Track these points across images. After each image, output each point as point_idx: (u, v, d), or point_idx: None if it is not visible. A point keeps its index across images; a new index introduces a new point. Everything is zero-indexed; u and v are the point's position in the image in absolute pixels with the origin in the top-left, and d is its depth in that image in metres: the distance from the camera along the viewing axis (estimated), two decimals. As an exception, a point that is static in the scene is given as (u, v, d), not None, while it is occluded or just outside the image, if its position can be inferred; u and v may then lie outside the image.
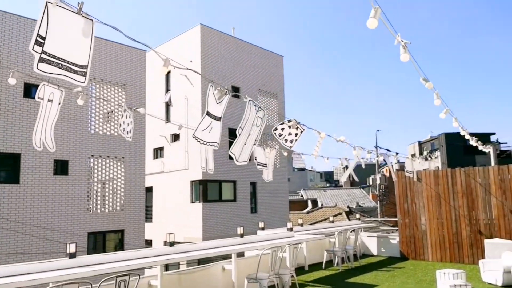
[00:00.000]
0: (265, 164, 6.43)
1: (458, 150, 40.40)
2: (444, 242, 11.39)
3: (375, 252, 12.74)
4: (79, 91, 4.92)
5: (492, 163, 15.15)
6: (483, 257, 9.97)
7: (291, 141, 5.24)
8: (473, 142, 9.46)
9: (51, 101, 4.76)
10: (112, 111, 17.94)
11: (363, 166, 12.52)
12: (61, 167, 16.07)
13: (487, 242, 9.58)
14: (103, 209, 17.23)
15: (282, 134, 5.17)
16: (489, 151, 12.70)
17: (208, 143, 4.01)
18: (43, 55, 3.15)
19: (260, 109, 4.46)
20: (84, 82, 3.13)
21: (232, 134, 23.02)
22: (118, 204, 17.74)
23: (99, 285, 5.22)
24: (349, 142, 6.41)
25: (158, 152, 24.79)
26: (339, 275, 9.87)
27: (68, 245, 5.96)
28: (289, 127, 5.03)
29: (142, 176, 18.64)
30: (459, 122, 6.68)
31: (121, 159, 17.87)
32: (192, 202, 21.77)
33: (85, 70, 3.04)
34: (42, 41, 3.18)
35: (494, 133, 45.28)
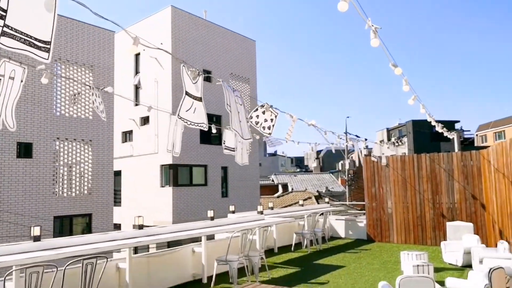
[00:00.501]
0: (233, 148, 6.40)
1: (425, 137, 41.63)
2: (409, 225, 11.78)
3: (343, 235, 13.05)
4: (42, 69, 4.71)
5: (456, 150, 15.68)
6: (445, 239, 10.38)
7: (269, 128, 5.22)
8: (438, 128, 9.74)
9: (12, 78, 4.55)
10: (79, 93, 17.41)
11: (333, 151, 12.70)
12: (24, 150, 15.52)
13: (449, 224, 9.97)
14: (69, 192, 16.83)
15: (258, 122, 5.15)
16: (453, 138, 13.12)
17: (196, 124, 3.94)
18: (5, 29, 2.99)
19: (234, 89, 4.41)
20: (47, 59, 2.99)
21: (209, 120, 22.89)
22: (86, 187, 17.36)
23: (65, 268, 5.12)
24: (320, 126, 6.47)
25: (127, 135, 24.31)
26: (307, 256, 10.06)
27: (32, 228, 5.79)
28: (263, 112, 5.01)
29: (110, 159, 18.27)
30: (426, 108, 6.85)
31: (88, 142, 17.43)
32: (162, 186, 21.56)
33: (48, 46, 2.90)
34: (4, 13, 3.02)
35: (458, 121, 46.87)
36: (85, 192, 17.31)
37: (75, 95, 17.37)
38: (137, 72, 23.66)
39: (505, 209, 8.97)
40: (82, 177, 17.32)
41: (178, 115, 3.74)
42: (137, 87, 23.43)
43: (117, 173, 22.92)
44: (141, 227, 7.04)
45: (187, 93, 3.84)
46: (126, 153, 23.64)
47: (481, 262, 7.54)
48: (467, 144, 43.54)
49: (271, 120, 5.02)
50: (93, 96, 5.41)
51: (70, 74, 17.22)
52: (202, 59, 22.60)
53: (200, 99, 3.98)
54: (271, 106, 4.96)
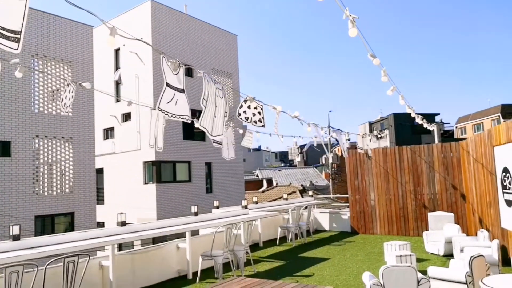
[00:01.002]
0: (221, 142, 6.34)
1: (406, 130, 42.20)
2: (392, 217, 11.93)
3: (327, 228, 13.14)
4: (16, 63, 4.57)
5: (436, 142, 15.94)
6: (427, 230, 10.55)
7: (260, 120, 5.17)
8: (418, 120, 9.86)
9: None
10: (58, 89, 17.05)
11: (315, 145, 12.71)
12: (2, 148, 15.16)
13: (430, 215, 10.13)
14: (50, 191, 16.52)
15: (248, 117, 5.09)
16: (433, 129, 13.32)
17: (177, 116, 3.84)
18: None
19: (216, 81, 4.35)
20: (17, 49, 2.89)
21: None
22: (67, 186, 17.07)
23: (46, 267, 5.01)
24: (303, 118, 6.47)
25: (109, 132, 23.98)
26: (292, 250, 10.11)
27: (11, 227, 5.65)
28: (249, 107, 4.97)
29: (92, 157, 17.99)
30: (405, 100, 6.91)
31: (68, 139, 17.12)
32: (146, 183, 21.36)
33: (18, 36, 2.80)
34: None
35: (438, 114, 47.68)
36: (67, 190, 17.02)
37: (54, 91, 17.02)
38: (117, 67, 23.31)
39: (484, 198, 9.15)
40: (63, 176, 17.02)
41: (158, 107, 3.66)
42: (117, 83, 23.10)
43: (99, 171, 22.61)
44: (123, 223, 6.95)
45: (168, 85, 3.77)
46: (108, 150, 23.32)
47: (462, 251, 7.68)
48: (447, 136, 44.31)
49: (259, 113, 4.98)
50: (65, 92, 5.26)
51: (48, 70, 16.86)
52: (183, 54, 22.39)
53: (182, 91, 3.91)
54: (253, 98, 4.92)
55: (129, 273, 7.01)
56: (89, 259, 5.29)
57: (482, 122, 42.17)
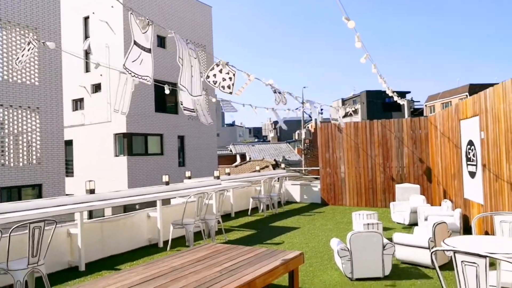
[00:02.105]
0: (193, 109, 6.25)
1: (377, 107, 42.87)
2: (361, 189, 12.22)
3: (298, 199, 13.36)
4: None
5: (406, 117, 16.25)
6: (394, 201, 10.87)
7: (229, 87, 5.07)
8: (389, 92, 10.00)
9: None
10: (17, 59, 16.31)
11: (285, 127, 12.59)
12: (-36, 117, 14.50)
13: (397, 187, 10.43)
14: (17, 163, 16.02)
15: (216, 81, 4.98)
16: (403, 104, 13.56)
17: (140, 77, 3.71)
18: None
19: (188, 41, 4.22)
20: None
21: (159, 88, 22.04)
22: (34, 157, 16.58)
23: (10, 233, 4.90)
24: (277, 87, 6.42)
25: (78, 103, 23.29)
26: (264, 220, 10.24)
27: (-27, 193, 5.46)
28: (220, 71, 4.86)
29: (60, 128, 17.47)
30: (377, 69, 6.96)
31: (35, 109, 16.53)
32: (116, 156, 21.01)
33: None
34: None
35: (409, 92, 48.56)
36: (34, 162, 16.55)
37: (18, 59, 16.29)
38: (86, 37, 22.48)
39: (449, 170, 9.47)
40: (30, 147, 16.50)
41: (124, 65, 3.54)
42: (87, 53, 22.31)
43: (69, 143, 22.05)
44: (92, 191, 6.84)
45: (135, 43, 3.64)
46: (77, 122, 22.71)
47: (426, 219, 7.97)
48: (417, 114, 45.31)
49: (230, 79, 4.89)
50: (26, 50, 4.98)
51: (12, 36, 16.07)
52: (156, 27, 21.74)
53: (149, 51, 3.78)
54: (227, 63, 4.82)
55: (98, 241, 6.94)
56: (55, 225, 5.19)
57: (451, 101, 43.26)
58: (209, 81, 5.06)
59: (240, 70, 5.17)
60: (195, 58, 4.23)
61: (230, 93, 5.01)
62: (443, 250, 2.70)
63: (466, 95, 39.91)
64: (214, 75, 4.87)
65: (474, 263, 2.50)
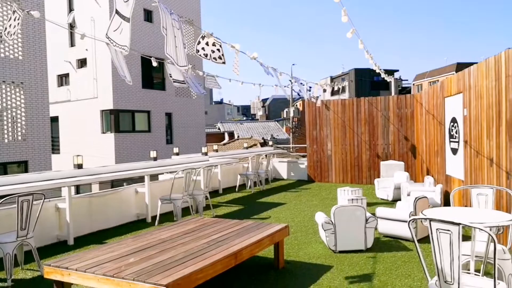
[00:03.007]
0: (183, 81, 6.23)
1: (366, 85, 43.03)
2: (347, 166, 12.42)
3: (285, 176, 13.53)
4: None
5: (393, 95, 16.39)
6: (379, 178, 11.09)
7: (220, 58, 5.05)
8: (376, 68, 10.08)
9: None
10: (5, 30, 15.92)
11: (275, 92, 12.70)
12: None
13: (382, 163, 10.63)
14: (1, 139, 15.84)
15: (207, 54, 4.97)
16: (390, 82, 13.68)
17: (119, 46, 3.70)
18: None
19: (172, 12, 4.20)
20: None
21: (146, 63, 21.70)
22: (19, 134, 16.40)
23: (-2, 206, 4.93)
24: (262, 61, 6.43)
25: (63, 79, 22.92)
26: (251, 196, 10.39)
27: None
28: (207, 43, 4.85)
29: (45, 104, 17.23)
30: (364, 44, 7.01)
31: (19, 84, 16.24)
32: (103, 133, 20.89)
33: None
34: None
35: (397, 70, 48.73)
36: (19, 138, 16.37)
37: (0, 32, 15.90)
38: (71, 10, 21.95)
39: (432, 148, 9.67)
40: (15, 123, 16.30)
41: (107, 34, 3.53)
42: (71, 26, 21.83)
43: (54, 119, 21.79)
44: (80, 166, 6.86)
45: (117, 12, 3.62)
46: (63, 98, 22.40)
47: (408, 195, 8.18)
48: (405, 93, 45.63)
49: (218, 50, 4.89)
50: (9, 21, 4.88)
51: (-6, 9, 15.63)
52: (142, 0, 21.31)
53: (128, 20, 3.76)
54: (211, 34, 4.82)
55: (86, 216, 7.01)
56: (44, 199, 5.22)
57: (438, 80, 43.59)
58: (199, 55, 5.05)
59: (225, 42, 5.17)
60: (178, 29, 4.22)
61: (224, 63, 5.01)
62: (420, 219, 2.83)
63: (454, 74, 40.23)
64: (203, 48, 4.87)
65: (448, 230, 2.63)
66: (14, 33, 4.73)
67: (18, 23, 4.73)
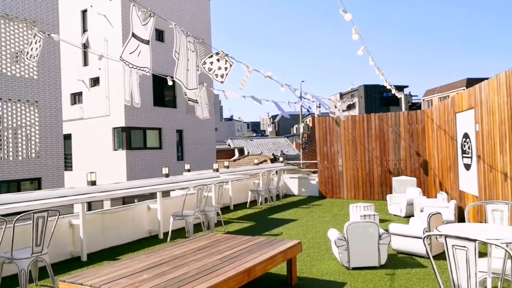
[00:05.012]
0: (196, 100, 6.34)
1: (375, 102, 42.98)
2: (358, 182, 12.35)
3: (296, 192, 13.49)
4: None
5: (403, 110, 16.38)
6: (391, 193, 11.00)
7: (222, 76, 5.16)
8: (386, 84, 10.11)
9: None
10: (21, 51, 16.34)
11: (288, 116, 12.75)
12: (-37, 111, 14.54)
13: (394, 179, 10.57)
14: (16, 156, 16.09)
15: (211, 69, 5.07)
16: (401, 98, 13.68)
17: (138, 68, 3.78)
18: None
19: (188, 34, 4.30)
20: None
21: (158, 81, 22.01)
22: (33, 151, 16.65)
23: (14, 222, 4.99)
24: (276, 79, 6.51)
25: (77, 97, 23.31)
26: (262, 212, 10.37)
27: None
28: (218, 60, 4.95)
29: (59, 121, 17.52)
30: (375, 61, 7.06)
31: (34, 103, 16.57)
32: (115, 150, 21.09)
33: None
34: None
35: (407, 86, 48.68)
36: (33, 155, 16.62)
37: (17, 52, 16.30)
38: (84, 30, 22.46)
39: (445, 163, 9.60)
40: (29, 140, 16.57)
41: (121, 57, 3.62)
42: (85, 46, 22.30)
43: (67, 137, 22.10)
44: (93, 183, 6.94)
45: (133, 35, 3.71)
46: (75, 116, 22.75)
47: (422, 211, 8.11)
48: (415, 108, 45.46)
49: (225, 68, 4.97)
50: (31, 44, 5.06)
51: (10, 30, 16.08)
52: (157, 17, 21.71)
53: (147, 42, 3.85)
54: (226, 55, 4.91)
55: (99, 232, 7.05)
56: (58, 215, 5.29)
57: (448, 95, 43.40)
58: (204, 67, 5.14)
59: (239, 62, 5.26)
60: (193, 52, 4.31)
61: (222, 82, 5.09)
62: (435, 235, 2.82)
63: (464, 89, 40.05)
64: (211, 63, 4.95)
65: (464, 247, 2.61)
66: (36, 55, 4.87)
67: (40, 45, 4.87)
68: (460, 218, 8.16)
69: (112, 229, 7.29)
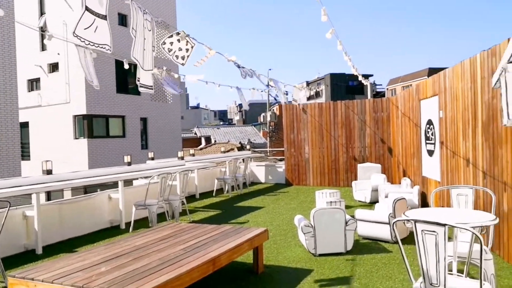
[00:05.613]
0: (151, 86, 6.04)
1: (341, 90, 43.53)
2: (324, 169, 12.41)
3: (263, 180, 13.42)
4: None
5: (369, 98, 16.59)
6: (356, 180, 11.10)
7: (183, 57, 4.91)
8: (353, 70, 10.12)
9: None
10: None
11: (247, 107, 12.55)
12: None
13: (359, 166, 10.65)
14: (-33, 145, 15.16)
15: (171, 49, 4.81)
16: (367, 85, 13.80)
17: (97, 45, 3.48)
18: None
19: (145, 11, 4.03)
20: None
21: (121, 67, 21.32)
22: (-14, 140, 15.74)
23: (-41, 214, 4.62)
24: (240, 63, 6.30)
25: (34, 83, 22.22)
26: (229, 200, 10.23)
27: None
28: (178, 40, 4.70)
29: (14, 109, 16.62)
30: (343, 46, 6.99)
31: (-14, 89, 15.62)
32: (76, 138, 20.31)
33: None
34: None
35: (371, 75, 49.57)
36: (-14, 144, 15.72)
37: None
38: (42, 13, 21.34)
39: (409, 150, 9.75)
40: (-18, 128, 15.64)
41: (74, 32, 3.32)
42: (42, 30, 21.20)
43: (24, 125, 21.08)
44: (49, 172, 6.55)
45: (87, 8, 3.42)
46: (33, 103, 21.70)
47: (386, 196, 8.19)
48: (379, 97, 46.38)
49: (187, 50, 4.73)
50: None
51: (-41, 10, 15.01)
52: (117, 4, 20.90)
53: (104, 17, 3.56)
54: (187, 35, 4.66)
55: (56, 223, 6.70)
56: (9, 207, 4.93)
57: (411, 84, 44.51)
58: (163, 47, 4.88)
59: (201, 43, 5.03)
60: (150, 31, 4.05)
61: (183, 64, 4.85)
62: (406, 220, 2.75)
63: (426, 78, 41.15)
64: (171, 43, 4.70)
65: (433, 231, 2.56)
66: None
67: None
68: (423, 203, 8.31)
69: (70, 220, 6.94)
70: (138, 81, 5.60)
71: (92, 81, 5.24)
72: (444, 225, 2.52)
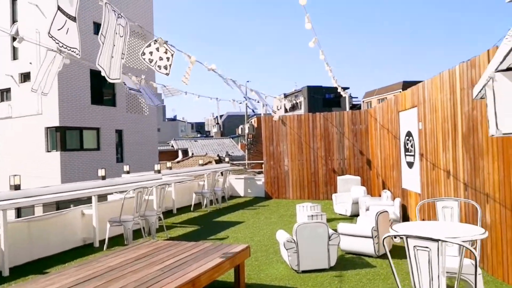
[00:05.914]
0: (139, 90, 5.80)
1: (318, 102, 43.96)
2: (304, 181, 12.31)
3: (242, 194, 13.22)
4: None
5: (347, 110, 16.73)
6: (336, 193, 11.04)
7: (166, 67, 4.72)
8: (334, 82, 10.11)
9: None
10: None
11: (234, 108, 12.40)
12: None
13: (339, 178, 10.60)
14: None
15: (152, 60, 4.62)
16: (345, 97, 13.88)
17: (68, 48, 3.27)
18: None
19: (120, 15, 3.84)
20: None
21: (96, 78, 20.85)
22: (-48, 153, 15.03)
23: None
24: (221, 72, 6.15)
25: (4, 94, 21.48)
26: (207, 215, 9.97)
27: None
28: (157, 49, 4.52)
29: (-18, 121, 15.99)
30: (325, 55, 6.94)
31: (-48, 100, 14.97)
32: (48, 151, 19.66)
33: None
34: None
35: (348, 88, 50.27)
36: (-49, 158, 15.00)
37: None
38: (14, 21, 20.75)
39: (388, 161, 9.76)
40: None
41: (49, 32, 3.12)
42: (14, 39, 20.58)
43: (-7, 137, 20.30)
44: (17, 187, 6.19)
45: (59, 8, 3.22)
46: (3, 114, 20.94)
47: (367, 209, 8.13)
48: (356, 109, 47.10)
49: (167, 58, 4.55)
50: None
51: None
52: (92, 12, 20.54)
53: (74, 19, 3.36)
54: (165, 42, 4.49)
55: (25, 242, 6.32)
56: (-28, 225, 4.59)
57: (386, 97, 45.34)
58: (144, 58, 4.69)
59: (180, 51, 4.86)
60: (121, 37, 3.86)
61: (167, 74, 4.67)
62: (396, 236, 2.62)
63: (400, 91, 42.01)
64: (151, 53, 4.52)
65: (426, 247, 2.44)
66: None
67: None
68: (404, 215, 8.28)
69: (40, 239, 6.57)
70: (125, 84, 5.35)
71: (36, 90, 5.00)
72: (437, 240, 2.40)
